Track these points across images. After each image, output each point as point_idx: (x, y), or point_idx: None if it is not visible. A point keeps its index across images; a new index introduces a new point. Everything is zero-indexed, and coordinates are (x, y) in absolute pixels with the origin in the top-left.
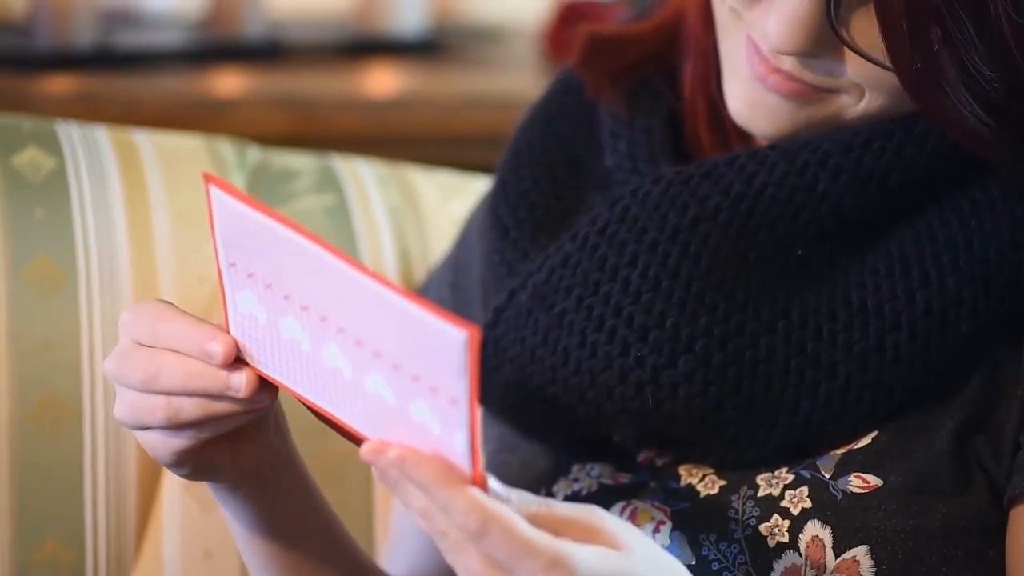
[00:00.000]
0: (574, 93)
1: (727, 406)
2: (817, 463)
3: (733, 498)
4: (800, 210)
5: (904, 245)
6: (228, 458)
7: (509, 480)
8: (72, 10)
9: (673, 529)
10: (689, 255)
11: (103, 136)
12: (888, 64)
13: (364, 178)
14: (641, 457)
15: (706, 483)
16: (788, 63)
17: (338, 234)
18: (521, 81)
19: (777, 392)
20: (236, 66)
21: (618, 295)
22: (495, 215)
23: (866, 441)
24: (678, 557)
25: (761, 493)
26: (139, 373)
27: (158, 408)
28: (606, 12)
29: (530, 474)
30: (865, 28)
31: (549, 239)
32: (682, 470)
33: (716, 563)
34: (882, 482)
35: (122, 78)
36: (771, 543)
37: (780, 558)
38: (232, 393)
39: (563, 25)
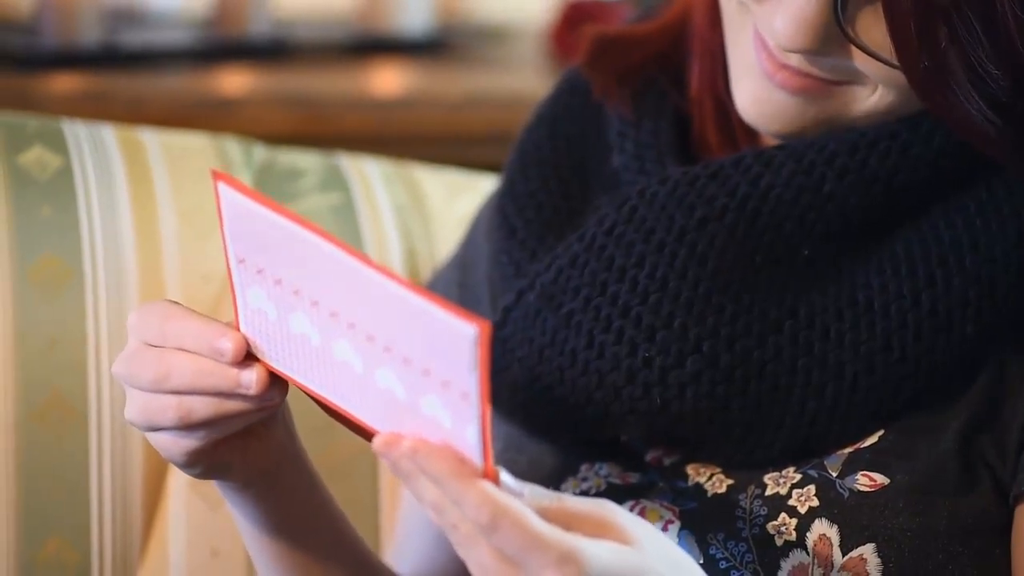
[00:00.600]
0: (581, 93)
1: (734, 406)
2: (824, 462)
3: (741, 497)
4: (806, 210)
5: (910, 245)
6: (239, 456)
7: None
8: (78, 9)
9: (681, 528)
10: (696, 256)
11: (109, 135)
12: (895, 62)
13: (370, 177)
14: (649, 456)
15: (714, 482)
16: (795, 60)
17: (344, 232)
18: (526, 80)
19: (784, 392)
20: (242, 65)
21: (626, 295)
22: (502, 215)
23: (873, 440)
24: None
25: (768, 492)
26: (150, 373)
27: (169, 408)
28: (611, 11)
29: (538, 473)
30: (872, 26)
31: (557, 239)
32: (690, 469)
33: (724, 561)
34: (889, 481)
35: (128, 77)
36: (778, 542)
37: (788, 556)
38: (243, 391)
39: (568, 24)
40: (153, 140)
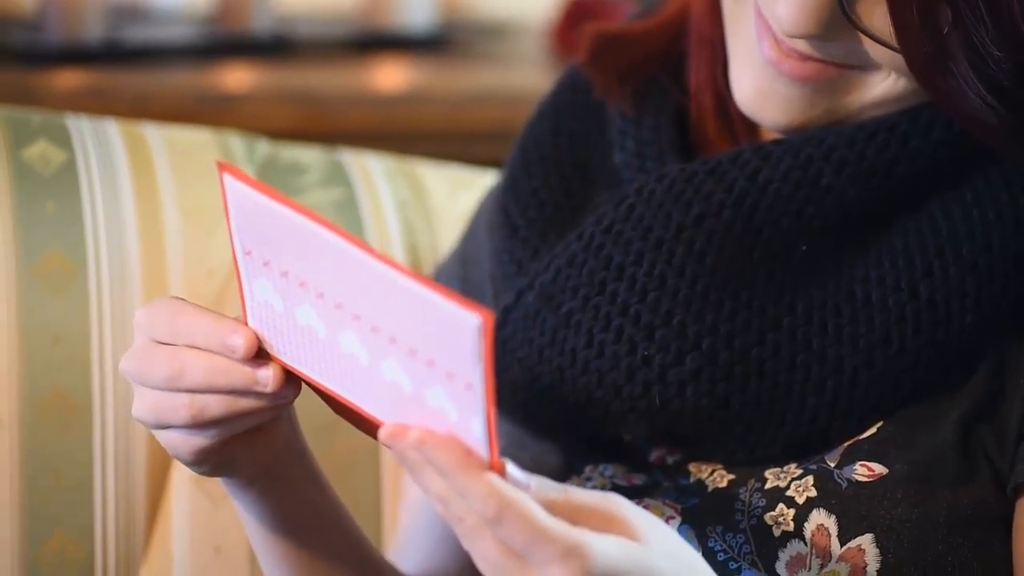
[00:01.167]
0: (582, 90)
1: (735, 403)
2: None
3: (741, 491)
4: (804, 205)
5: (907, 236)
6: (245, 453)
7: None
8: (81, 5)
9: (682, 523)
10: (694, 253)
11: (113, 130)
12: (897, 45)
13: (373, 172)
14: (653, 456)
15: (715, 478)
16: (801, 45)
17: (347, 228)
18: (529, 76)
19: (784, 388)
20: (245, 61)
21: (624, 294)
22: (504, 213)
23: (871, 431)
24: None
25: (768, 485)
26: (162, 371)
27: (182, 407)
28: (613, 8)
29: (542, 472)
30: (876, 9)
31: (559, 237)
32: (691, 467)
33: (722, 554)
34: (887, 471)
35: (131, 73)
36: (776, 532)
37: (785, 547)
38: (259, 388)
39: (571, 21)
40: (157, 135)
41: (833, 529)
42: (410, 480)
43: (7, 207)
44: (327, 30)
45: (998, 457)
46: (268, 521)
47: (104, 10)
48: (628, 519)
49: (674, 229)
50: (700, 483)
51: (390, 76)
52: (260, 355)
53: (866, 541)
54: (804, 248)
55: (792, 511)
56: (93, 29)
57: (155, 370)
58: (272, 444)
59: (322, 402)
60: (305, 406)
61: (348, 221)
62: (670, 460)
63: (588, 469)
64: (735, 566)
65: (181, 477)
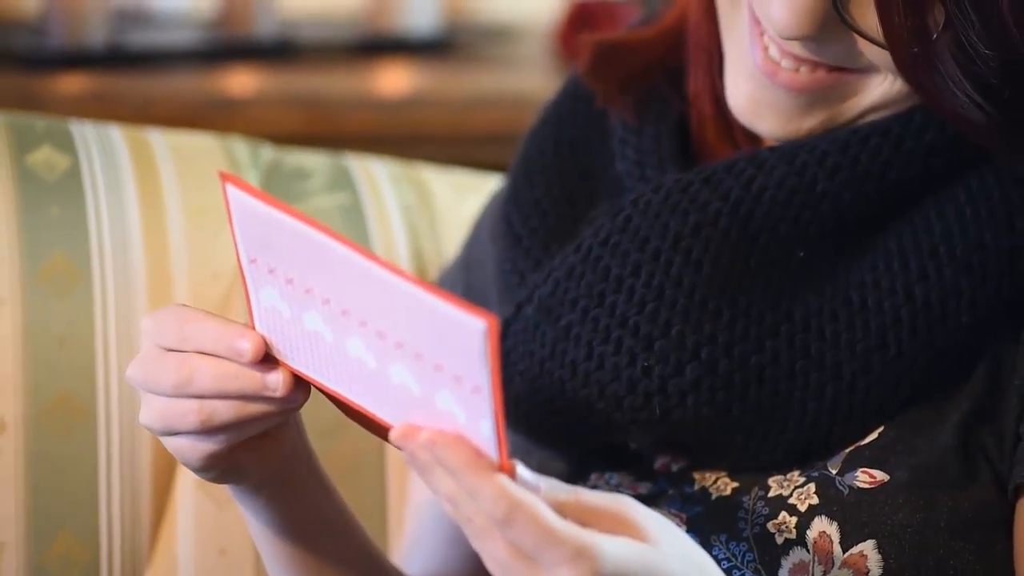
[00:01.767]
0: (584, 98)
1: (735, 411)
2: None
3: (744, 499)
4: (800, 211)
5: (902, 239)
6: (254, 458)
7: None
8: (85, 9)
9: (687, 532)
10: (691, 263)
11: (117, 135)
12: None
13: (377, 177)
14: (657, 464)
15: (719, 486)
16: (796, 47)
17: (352, 233)
18: (533, 80)
19: (784, 396)
20: (248, 65)
21: (623, 305)
22: (507, 223)
23: (872, 437)
24: None
25: (772, 494)
26: (171, 378)
27: (191, 413)
28: (616, 11)
29: None
30: (869, 10)
31: (561, 247)
32: (695, 474)
33: (726, 562)
34: (888, 477)
35: (134, 77)
36: (779, 540)
37: (788, 554)
38: (269, 393)
39: (574, 24)
40: (160, 140)
41: (835, 536)
42: (416, 484)
43: (12, 212)
44: (331, 34)
45: (998, 459)
46: (275, 526)
47: (107, 14)
48: (638, 521)
49: (671, 239)
50: (704, 491)
51: (394, 80)
52: (268, 360)
53: (868, 547)
54: (801, 254)
55: (794, 519)
56: (96, 33)
57: (163, 376)
58: (280, 450)
59: (327, 406)
60: (309, 410)
61: (353, 226)
62: (674, 468)
63: (594, 477)
64: (739, 574)
65: (186, 480)
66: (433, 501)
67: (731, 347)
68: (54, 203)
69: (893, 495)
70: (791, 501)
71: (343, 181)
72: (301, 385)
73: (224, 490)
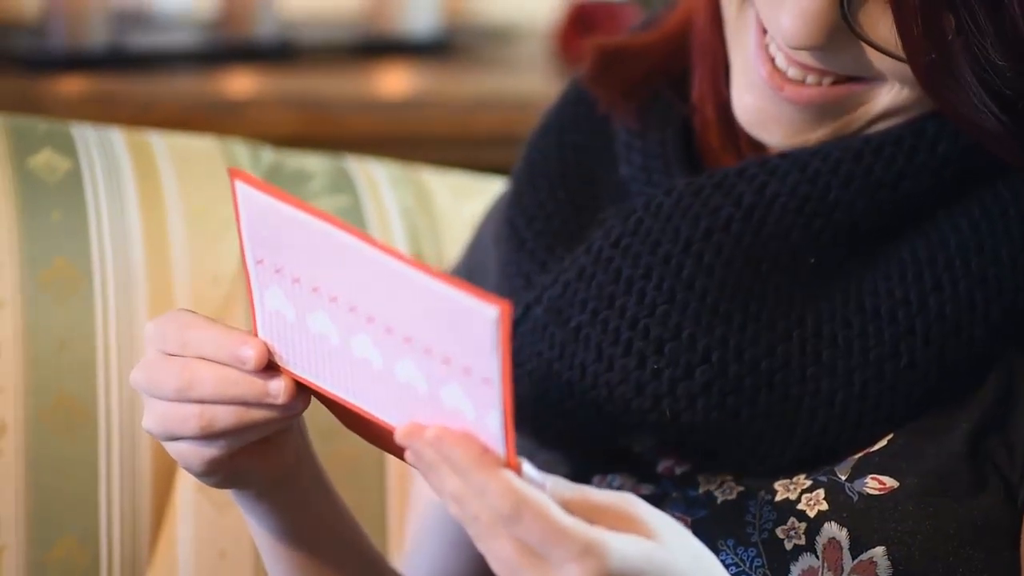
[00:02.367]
0: (586, 102)
1: (744, 416)
2: (833, 466)
3: (750, 503)
4: (812, 218)
5: (916, 250)
6: (257, 464)
7: None
8: (85, 11)
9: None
10: (703, 266)
11: (118, 138)
12: (902, 55)
13: (378, 179)
14: (661, 467)
15: (724, 489)
16: (805, 56)
17: None
18: (533, 81)
19: (794, 401)
20: (248, 67)
21: (633, 308)
22: (511, 226)
23: (882, 443)
24: None
25: (778, 498)
26: (172, 383)
27: (192, 418)
28: (617, 12)
29: None
30: (879, 19)
31: (566, 250)
32: (700, 478)
33: (734, 567)
34: (898, 484)
35: (135, 79)
36: (788, 546)
37: (797, 560)
38: (270, 400)
39: (575, 26)
40: (161, 143)
41: (845, 543)
42: (418, 488)
43: (12, 215)
44: (331, 35)
45: (1008, 468)
46: (277, 531)
47: (108, 16)
48: (645, 518)
49: (683, 243)
50: (709, 495)
51: (394, 81)
52: (270, 367)
53: (878, 554)
54: (812, 261)
55: (804, 524)
56: (97, 35)
57: (165, 381)
58: (283, 456)
59: (328, 407)
60: (310, 410)
61: None
62: (678, 471)
63: (596, 479)
64: None
65: (186, 482)
66: (435, 504)
67: (742, 351)
68: (55, 206)
69: (903, 502)
70: (800, 507)
71: (343, 184)
72: (302, 392)
73: (224, 492)
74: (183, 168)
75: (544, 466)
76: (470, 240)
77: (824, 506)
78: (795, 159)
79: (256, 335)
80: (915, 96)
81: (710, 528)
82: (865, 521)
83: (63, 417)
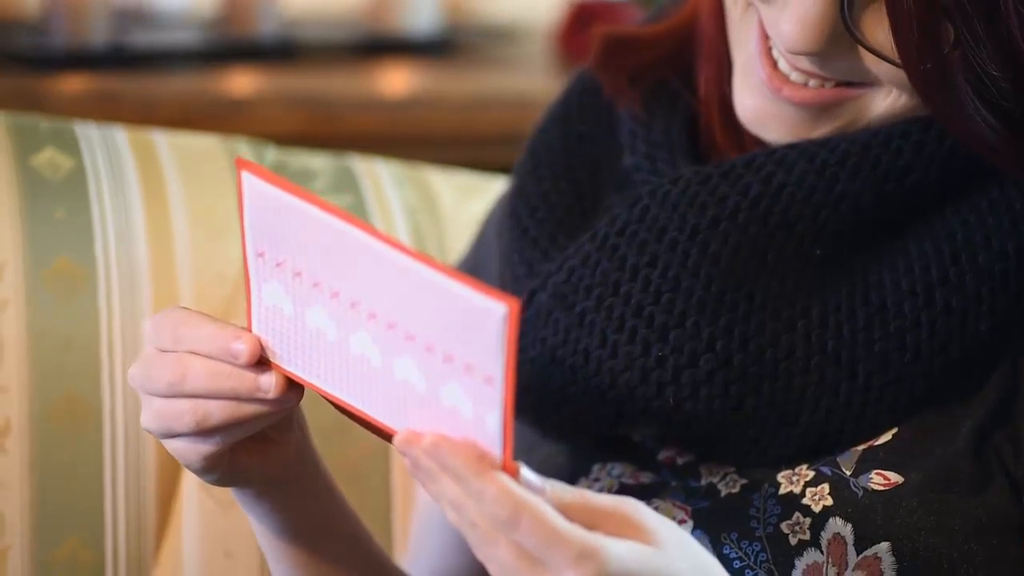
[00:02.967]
0: (592, 93)
1: (748, 405)
2: (837, 459)
3: (754, 496)
4: (818, 210)
5: (922, 243)
6: (256, 461)
7: None
8: (86, 9)
9: (694, 528)
10: (709, 255)
11: (121, 136)
12: (899, 61)
13: (381, 178)
14: (662, 456)
15: (727, 482)
16: (805, 62)
17: None
18: (535, 80)
19: (798, 391)
20: (250, 66)
21: (638, 295)
22: (514, 216)
23: (886, 438)
24: None
25: (782, 491)
26: (165, 378)
27: (185, 412)
28: (618, 12)
29: (549, 474)
30: (878, 26)
31: (569, 238)
32: (703, 469)
33: (738, 561)
34: (903, 479)
35: (137, 77)
36: (793, 541)
37: (802, 555)
38: (262, 395)
39: (576, 25)
40: (165, 142)
41: (849, 538)
42: (422, 488)
43: (16, 214)
44: (332, 34)
45: (1013, 464)
46: (280, 530)
47: (109, 14)
48: (644, 523)
49: (689, 231)
50: (712, 486)
51: (396, 80)
52: (263, 362)
53: (882, 550)
54: (819, 252)
55: (808, 519)
56: (98, 33)
57: (159, 376)
58: (284, 454)
59: (329, 407)
60: (313, 410)
61: None
62: (680, 461)
63: (596, 469)
64: (751, 574)
65: (191, 482)
66: (436, 504)
67: (747, 340)
68: (58, 205)
69: (907, 497)
70: (805, 501)
71: (347, 182)
72: (294, 386)
73: (229, 492)
74: (187, 167)
75: (545, 459)
76: (474, 236)
77: (829, 501)
78: (803, 150)
79: (250, 330)
80: (912, 103)
81: (713, 521)
82: (870, 517)
83: (68, 416)
